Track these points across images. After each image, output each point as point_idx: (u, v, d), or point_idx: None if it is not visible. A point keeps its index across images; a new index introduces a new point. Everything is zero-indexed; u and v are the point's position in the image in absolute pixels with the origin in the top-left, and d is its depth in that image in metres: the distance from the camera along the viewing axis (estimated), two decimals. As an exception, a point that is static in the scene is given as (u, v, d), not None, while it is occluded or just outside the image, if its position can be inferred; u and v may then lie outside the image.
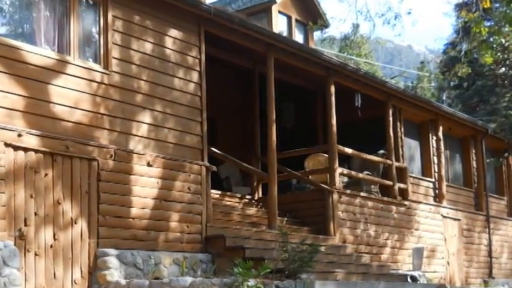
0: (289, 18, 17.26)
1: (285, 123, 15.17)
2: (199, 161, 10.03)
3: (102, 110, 8.74)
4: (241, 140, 14.21)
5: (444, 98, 33.30)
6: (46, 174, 7.99)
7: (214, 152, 11.43)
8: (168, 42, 9.81)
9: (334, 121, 12.88)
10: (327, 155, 13.06)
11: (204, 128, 10.17)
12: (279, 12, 16.98)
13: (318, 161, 13.47)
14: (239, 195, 12.67)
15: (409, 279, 11.51)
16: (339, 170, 12.83)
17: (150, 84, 9.45)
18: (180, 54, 9.96)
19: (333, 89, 13.00)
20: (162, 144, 9.52)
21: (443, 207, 15.89)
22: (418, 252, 13.60)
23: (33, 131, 7.92)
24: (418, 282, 11.67)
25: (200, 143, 10.11)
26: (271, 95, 11.52)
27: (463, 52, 16.94)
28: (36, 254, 7.77)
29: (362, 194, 13.45)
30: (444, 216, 15.85)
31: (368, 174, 13.93)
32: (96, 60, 8.91)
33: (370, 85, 13.92)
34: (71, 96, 8.39)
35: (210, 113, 10.56)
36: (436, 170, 15.96)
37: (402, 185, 14.57)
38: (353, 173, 13.46)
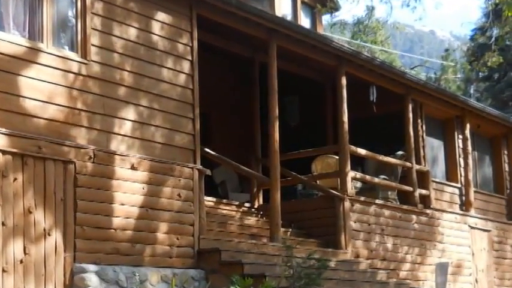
0: (294, 0, 17.25)
1: (290, 120, 15.16)
2: (190, 164, 10.03)
3: (79, 105, 8.75)
4: (239, 139, 14.21)
5: (472, 91, 33.34)
6: (15, 179, 7.99)
7: (208, 153, 11.44)
8: (156, 27, 9.81)
9: (345, 118, 12.89)
10: (337, 157, 13.07)
11: (197, 125, 10.17)
12: (283, -7, 16.97)
13: (327, 163, 13.48)
14: (237, 203, 12.68)
15: (431, 299, 11.52)
16: (351, 173, 12.84)
17: (135, 76, 9.46)
18: (169, 41, 9.96)
19: (344, 80, 13.01)
20: (148, 144, 9.53)
21: (471, 216, 15.89)
22: (442, 269, 13.59)
23: (1, 129, 7.92)
24: (442, 303, 11.68)
25: (192, 142, 10.12)
26: (273, 88, 11.53)
27: (493, 39, 16.97)
28: (4, 270, 7.77)
29: (378, 201, 13.46)
30: (472, 227, 15.84)
31: (384, 178, 13.94)
32: (72, 48, 8.91)
33: (387, 76, 13.93)
34: (44, 89, 8.40)
35: (204, 108, 10.56)
36: (463, 174, 15.96)
37: (424, 191, 14.57)
38: (367, 177, 13.47)
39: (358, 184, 13.73)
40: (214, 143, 13.15)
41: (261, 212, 12.72)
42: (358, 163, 14.07)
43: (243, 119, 14.21)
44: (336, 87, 13.14)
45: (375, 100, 13.68)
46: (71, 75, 8.72)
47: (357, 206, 12.83)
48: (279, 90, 11.64)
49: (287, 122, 14.89)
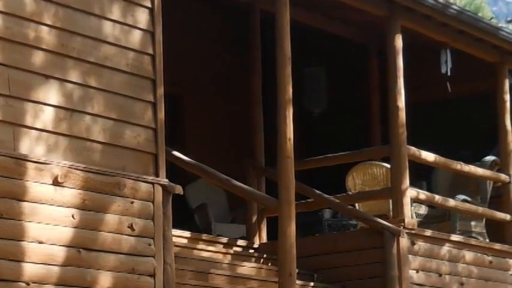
0: None
1: (311, 107, 15.17)
2: (150, 176, 10.02)
3: (-31, 82, 8.76)
4: (228, 137, 14.23)
5: None
6: None
7: (179, 160, 11.43)
8: (93, -46, 9.82)
9: (401, 102, 12.87)
10: (387, 165, 13.07)
11: (160, 114, 10.15)
12: None
13: (372, 175, 13.48)
14: (225, 240, 12.69)
15: None
16: (411, 192, 12.83)
17: (60, 33, 9.44)
18: (114, -23, 9.97)
19: (399, 41, 12.98)
20: (81, 144, 9.51)
21: None
22: None
23: None
24: None
25: (152, 142, 10.10)
26: (284, 54, 11.51)
27: None
28: None
29: (454, 237, 13.46)
30: None
31: (465, 200, 13.93)
32: (-43, -12, 8.92)
33: (468, 35, 13.91)
34: None
35: (172, 87, 10.55)
36: None
37: (528, 221, 14.60)
38: (437, 197, 13.46)
39: (422, 209, 13.73)
40: (188, 142, 13.16)
41: (265, 255, 12.74)
42: (423, 175, 14.08)
43: (235, 104, 14.22)
44: (387, 53, 13.14)
45: (449, 73, 13.66)
46: (-44, 33, 8.74)
47: (421, 244, 12.83)
48: (294, 57, 11.63)
49: (307, 108, 14.90)
